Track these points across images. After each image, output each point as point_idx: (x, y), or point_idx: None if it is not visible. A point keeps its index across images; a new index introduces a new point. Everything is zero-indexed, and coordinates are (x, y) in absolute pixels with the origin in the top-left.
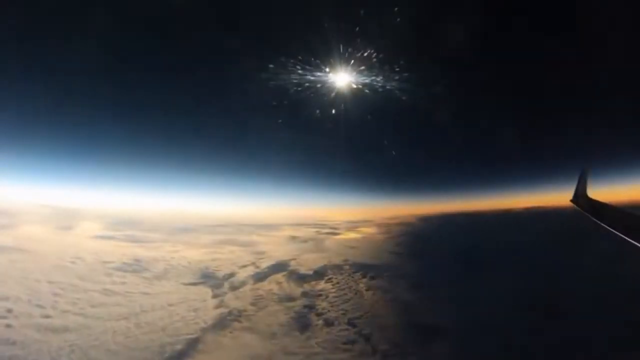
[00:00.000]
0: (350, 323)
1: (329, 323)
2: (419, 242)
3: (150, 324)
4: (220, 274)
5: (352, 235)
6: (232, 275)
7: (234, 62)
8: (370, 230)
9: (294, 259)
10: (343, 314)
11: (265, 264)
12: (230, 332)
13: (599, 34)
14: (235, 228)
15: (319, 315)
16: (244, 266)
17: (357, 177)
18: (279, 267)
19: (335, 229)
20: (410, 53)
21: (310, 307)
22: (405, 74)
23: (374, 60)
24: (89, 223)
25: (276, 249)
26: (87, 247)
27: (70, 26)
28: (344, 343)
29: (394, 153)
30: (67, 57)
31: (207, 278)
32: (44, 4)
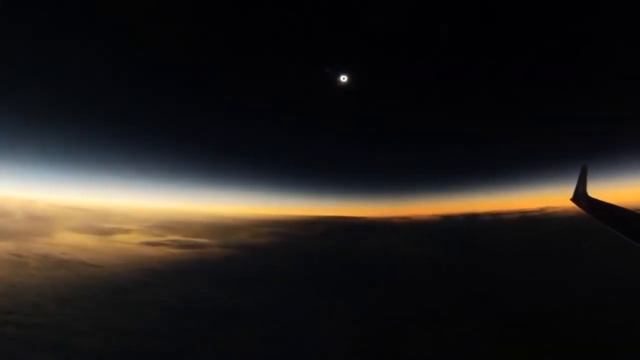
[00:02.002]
0: None
1: None
2: None
3: None
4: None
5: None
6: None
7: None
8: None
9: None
10: None
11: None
12: None
13: (599, 32)
14: (269, 228)
15: None
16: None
17: (366, 175)
18: (372, 262)
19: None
20: (413, 52)
21: None
22: (409, 74)
23: (382, 60)
24: (126, 227)
25: (345, 244)
26: (147, 256)
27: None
28: None
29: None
30: (87, 58)
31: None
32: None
